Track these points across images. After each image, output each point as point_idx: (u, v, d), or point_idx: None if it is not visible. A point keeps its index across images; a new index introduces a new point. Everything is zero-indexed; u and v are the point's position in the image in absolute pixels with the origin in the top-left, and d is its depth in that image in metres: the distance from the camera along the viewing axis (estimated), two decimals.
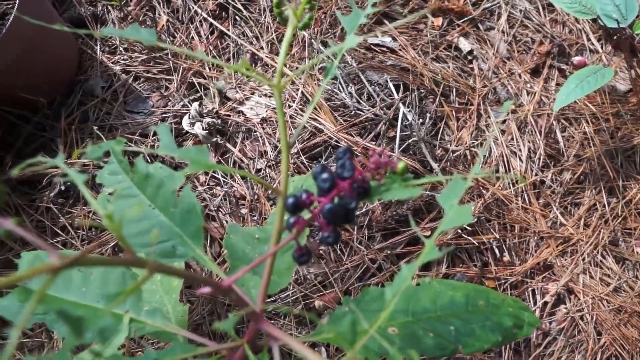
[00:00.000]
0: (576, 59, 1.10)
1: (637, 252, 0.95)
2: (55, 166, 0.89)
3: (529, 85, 1.08)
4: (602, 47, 1.12)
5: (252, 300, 0.46)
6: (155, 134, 0.95)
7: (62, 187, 0.89)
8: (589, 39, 1.12)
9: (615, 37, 1.07)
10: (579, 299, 0.92)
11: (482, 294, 0.53)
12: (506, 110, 1.02)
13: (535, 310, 0.91)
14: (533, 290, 0.93)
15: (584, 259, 0.94)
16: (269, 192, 0.90)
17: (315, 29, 1.07)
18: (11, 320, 0.50)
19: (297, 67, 1.04)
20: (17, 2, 0.82)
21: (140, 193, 0.53)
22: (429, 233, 0.90)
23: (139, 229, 0.50)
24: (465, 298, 0.52)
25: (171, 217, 0.50)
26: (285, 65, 1.03)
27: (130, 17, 1.07)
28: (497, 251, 0.93)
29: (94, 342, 0.37)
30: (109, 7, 1.09)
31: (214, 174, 0.94)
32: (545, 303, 0.92)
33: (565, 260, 0.95)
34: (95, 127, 0.93)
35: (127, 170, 0.54)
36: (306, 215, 0.40)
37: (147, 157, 0.92)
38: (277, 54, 1.06)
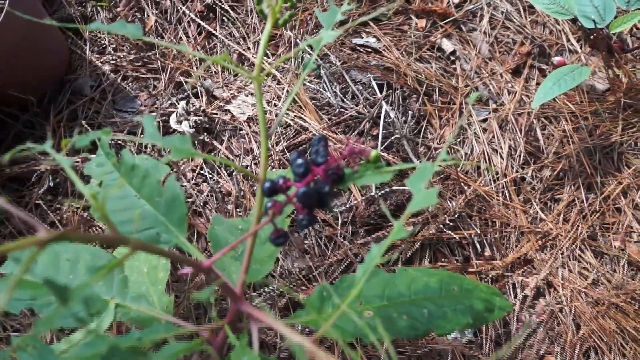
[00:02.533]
0: (556, 59, 1.13)
1: (615, 246, 0.98)
2: (44, 163, 0.90)
3: (510, 85, 1.11)
4: (581, 48, 1.15)
5: (233, 284, 0.48)
6: (143, 131, 0.97)
7: (51, 184, 0.91)
8: (568, 40, 1.16)
9: (592, 37, 1.11)
10: (558, 292, 0.94)
11: (456, 280, 0.55)
12: (472, 101, 1.04)
13: (516, 303, 0.94)
14: (513, 284, 0.95)
15: (563, 253, 0.97)
16: (254, 188, 0.92)
17: (301, 30, 1.10)
18: None
19: (282, 68, 1.06)
20: (7, 1, 0.84)
21: (126, 183, 0.54)
22: (411, 227, 0.93)
23: (124, 217, 0.52)
24: (439, 284, 0.54)
25: (156, 206, 0.52)
26: (270, 64, 1.05)
27: (119, 17, 1.09)
28: (478, 246, 0.96)
29: (78, 313, 0.38)
30: (98, 8, 1.11)
31: (200, 170, 0.95)
32: (525, 296, 0.94)
33: (545, 254, 0.97)
34: (84, 121, 0.95)
35: (114, 161, 0.56)
36: (282, 199, 0.42)
37: (133, 151, 0.94)
38: (265, 55, 1.08)
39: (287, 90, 1.01)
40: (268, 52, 1.09)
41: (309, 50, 1.04)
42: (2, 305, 0.36)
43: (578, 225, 0.99)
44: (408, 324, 0.49)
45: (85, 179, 0.89)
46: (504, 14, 1.18)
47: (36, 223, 0.33)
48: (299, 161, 0.40)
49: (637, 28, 1.16)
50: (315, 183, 0.41)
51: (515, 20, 1.17)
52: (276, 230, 0.41)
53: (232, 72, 1.06)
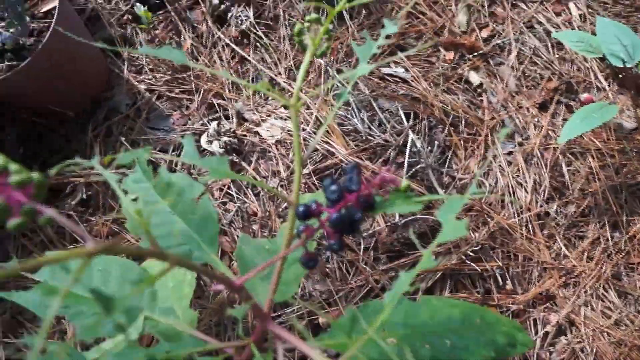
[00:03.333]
0: (583, 96, 1.14)
1: (639, 287, 0.97)
2: (78, 175, 0.94)
3: (536, 120, 1.12)
4: (609, 86, 1.15)
5: (260, 303, 0.49)
6: (174, 149, 1.00)
7: (84, 196, 0.94)
8: (596, 77, 1.16)
9: (621, 76, 1.11)
10: (579, 331, 0.93)
11: (478, 312, 0.56)
12: (504, 136, 1.05)
13: (537, 340, 0.93)
14: (535, 320, 0.94)
15: (586, 292, 0.96)
16: (280, 209, 0.94)
17: (332, 58, 1.12)
18: (34, 311, 0.53)
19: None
20: (54, 20, 0.88)
21: (161, 199, 0.56)
22: (433, 257, 0.93)
23: (158, 232, 0.53)
24: (462, 315, 0.54)
25: (189, 223, 0.54)
26: (301, 90, 1.08)
27: (157, 39, 1.13)
28: (500, 279, 0.95)
29: (119, 321, 0.40)
30: (137, 29, 1.15)
31: (228, 190, 0.98)
32: (547, 333, 0.93)
33: (568, 291, 0.96)
34: (123, 139, 0.98)
35: (150, 178, 0.58)
36: (315, 224, 0.43)
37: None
38: (294, 80, 1.11)
39: (316, 116, 1.03)
40: (296, 76, 1.11)
41: (337, 76, 1.07)
42: (53, 313, 0.37)
43: (602, 264, 0.98)
44: (430, 354, 0.49)
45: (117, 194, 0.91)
46: (532, 50, 1.19)
47: (83, 234, 0.35)
48: (333, 187, 0.42)
49: None
50: (347, 209, 0.43)
51: (543, 56, 1.19)
52: (307, 253, 0.43)
53: (263, 96, 1.09)
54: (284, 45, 1.14)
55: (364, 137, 1.00)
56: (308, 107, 1.06)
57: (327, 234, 0.42)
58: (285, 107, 1.05)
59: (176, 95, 1.08)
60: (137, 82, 1.10)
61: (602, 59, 1.18)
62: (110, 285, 0.56)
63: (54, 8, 0.91)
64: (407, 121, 1.04)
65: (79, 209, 0.95)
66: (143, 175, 0.59)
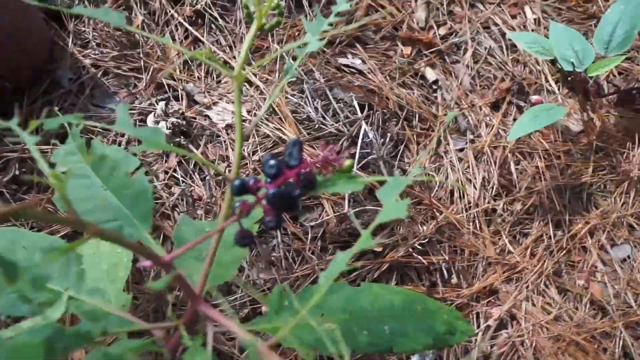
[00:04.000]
0: (534, 98, 1.16)
1: (579, 285, 0.99)
2: (11, 150, 0.88)
3: (488, 118, 1.13)
4: (558, 89, 1.18)
5: (194, 285, 0.47)
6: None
7: (17, 172, 0.88)
8: (547, 80, 1.19)
9: (570, 80, 1.14)
10: (520, 325, 0.94)
11: (420, 300, 0.55)
12: (450, 120, 1.05)
13: (479, 333, 0.94)
14: (477, 314, 0.95)
15: (527, 287, 0.97)
16: (226, 192, 0.91)
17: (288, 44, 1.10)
18: None
19: (266, 80, 1.06)
20: None
21: (93, 173, 0.53)
22: (380, 249, 0.92)
23: (88, 206, 0.50)
24: (403, 302, 0.54)
25: (122, 199, 0.51)
26: (255, 75, 1.05)
27: (106, 7, 1.08)
28: (445, 273, 0.96)
29: (26, 292, 0.37)
30: (85, 2, 1.10)
31: (173, 173, 0.94)
32: (488, 327, 0.94)
33: (510, 286, 0.98)
34: (56, 108, 0.93)
35: (83, 150, 0.54)
36: (252, 199, 0.41)
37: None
38: (249, 64, 1.08)
39: (267, 100, 1.01)
40: (253, 62, 1.09)
41: (293, 62, 1.05)
42: None
43: (544, 261, 1.00)
44: (368, 340, 0.48)
45: (53, 167, 0.86)
46: (487, 50, 1.21)
47: None
48: (272, 162, 0.40)
49: (613, 75, 1.20)
50: (286, 186, 0.41)
51: (497, 56, 1.20)
52: (242, 230, 0.41)
53: (215, 79, 1.06)
54: (240, 28, 1.11)
55: (317, 126, 0.99)
56: (262, 93, 1.04)
57: (264, 211, 0.40)
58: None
59: (124, 73, 1.04)
60: (83, 56, 1.04)
61: (554, 62, 1.20)
62: (35, 261, 0.52)
63: None
64: (362, 112, 1.03)
65: (12, 186, 0.89)
66: (75, 148, 0.55)
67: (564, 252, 1.01)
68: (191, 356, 0.38)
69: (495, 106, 1.16)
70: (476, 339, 0.93)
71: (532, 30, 1.25)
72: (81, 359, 0.80)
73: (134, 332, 0.52)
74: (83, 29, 1.07)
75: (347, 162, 0.44)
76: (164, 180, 0.93)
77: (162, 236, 0.88)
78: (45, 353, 0.27)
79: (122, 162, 0.52)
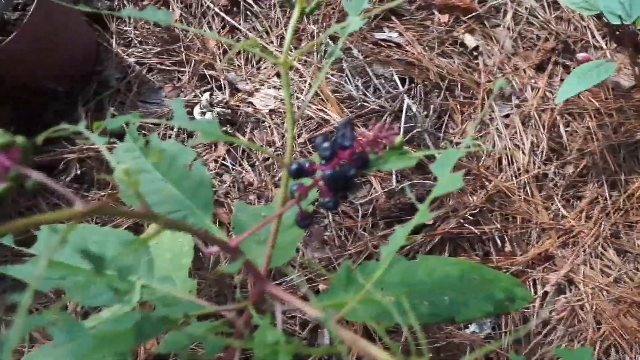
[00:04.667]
0: (581, 55, 1.12)
1: (638, 245, 0.97)
2: (71, 151, 0.93)
3: (533, 81, 1.10)
4: (606, 44, 1.14)
5: (257, 266, 0.49)
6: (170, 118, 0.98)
7: (78, 172, 0.93)
8: (593, 36, 1.14)
9: (618, 34, 1.09)
10: (579, 289, 0.93)
11: (476, 269, 0.55)
12: (497, 89, 1.03)
13: (536, 299, 0.93)
14: (534, 280, 0.94)
15: (584, 251, 0.96)
16: (276, 178, 0.93)
17: (324, 24, 1.10)
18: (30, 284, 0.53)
19: (305, 62, 1.07)
20: None
21: (153, 168, 0.56)
22: (431, 222, 0.93)
23: (151, 200, 0.53)
24: (460, 272, 0.54)
25: (182, 190, 0.53)
26: (295, 59, 1.06)
27: (151, 7, 1.11)
28: (498, 241, 0.95)
29: (112, 282, 0.40)
30: (124, 1, 1.13)
31: (223, 161, 0.97)
32: (546, 292, 0.93)
33: (567, 251, 0.96)
34: (112, 109, 0.97)
35: (142, 146, 0.57)
36: (308, 182, 0.42)
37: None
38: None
39: (310, 84, 1.02)
40: (291, 46, 1.10)
41: (331, 43, 1.05)
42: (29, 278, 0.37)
43: (601, 223, 0.98)
44: (429, 310, 0.49)
45: (111, 166, 0.91)
46: (528, 10, 1.17)
47: (73, 197, 0.34)
48: (326, 144, 0.41)
49: None
50: (341, 166, 0.42)
51: (539, 16, 1.16)
52: (302, 212, 0.42)
53: (255, 66, 1.07)
54: (275, 13, 1.12)
55: (359, 104, 0.99)
56: (302, 75, 1.04)
57: (321, 192, 0.42)
58: (278, 76, 1.04)
59: (167, 68, 1.07)
60: (127, 55, 1.08)
61: (599, 17, 1.15)
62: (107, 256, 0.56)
63: None
64: (402, 86, 1.03)
65: (74, 185, 0.94)
66: (134, 144, 0.58)
67: (621, 212, 0.99)
68: (262, 334, 0.41)
69: (540, 68, 1.12)
70: (534, 306, 0.92)
71: None
72: (154, 345, 0.85)
73: (202, 316, 0.55)
74: (125, 28, 1.10)
75: (398, 139, 0.45)
76: (214, 169, 0.96)
77: (217, 223, 0.91)
78: (135, 337, 0.29)
79: (179, 155, 0.55)
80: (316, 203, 0.89)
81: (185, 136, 0.98)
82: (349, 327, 0.81)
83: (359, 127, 0.96)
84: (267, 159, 0.97)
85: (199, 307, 0.46)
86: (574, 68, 1.11)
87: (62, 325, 0.43)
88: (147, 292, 0.52)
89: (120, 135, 0.62)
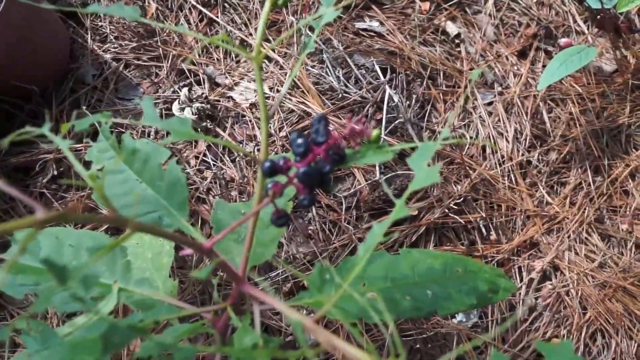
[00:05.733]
0: (562, 41, 1.12)
1: (622, 229, 0.97)
2: (47, 151, 0.90)
3: (515, 68, 1.10)
4: (588, 29, 1.13)
5: (236, 267, 0.48)
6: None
7: (55, 173, 0.91)
8: (575, 21, 1.14)
9: (599, 18, 1.09)
10: (564, 275, 0.93)
11: (459, 262, 0.55)
12: (475, 78, 1.03)
13: (522, 286, 0.93)
14: (520, 267, 0.94)
15: (569, 236, 0.96)
16: (257, 173, 0.92)
17: (304, 15, 1.09)
18: (4, 290, 0.52)
19: (285, 54, 1.05)
20: None
21: (127, 168, 0.54)
22: (416, 212, 0.92)
23: (126, 201, 0.51)
24: (443, 265, 0.54)
25: (157, 190, 0.52)
26: (273, 50, 1.04)
27: (120, 2, 1.08)
28: (484, 230, 0.95)
29: (77, 291, 0.38)
30: None
31: (204, 157, 0.95)
32: (532, 279, 0.94)
33: (551, 237, 0.96)
34: (84, 107, 0.95)
35: (115, 146, 0.55)
36: (283, 180, 0.41)
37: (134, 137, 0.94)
38: (266, 40, 1.07)
39: (288, 77, 1.00)
40: (270, 37, 1.08)
41: (310, 33, 1.03)
42: (2, 285, 0.35)
43: (585, 208, 0.98)
44: (412, 305, 0.48)
45: (88, 166, 0.89)
46: None
47: (34, 204, 0.33)
48: (299, 141, 0.40)
49: None
50: (316, 163, 0.41)
51: (520, 1, 1.16)
52: (277, 210, 0.41)
53: (234, 59, 1.06)
54: (253, 4, 1.10)
55: (341, 95, 0.98)
56: (282, 68, 1.03)
57: (297, 190, 0.41)
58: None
59: (144, 63, 1.04)
60: (103, 51, 1.05)
61: (581, 1, 1.15)
62: (82, 260, 0.54)
63: None
64: (384, 76, 1.02)
65: (52, 186, 0.92)
66: (107, 144, 0.56)
67: (605, 197, 0.99)
68: (240, 336, 0.40)
69: (522, 54, 1.12)
70: (520, 293, 0.92)
71: None
72: (138, 347, 0.84)
73: (183, 317, 0.54)
74: (100, 24, 1.08)
75: (375, 132, 0.44)
76: (195, 165, 0.94)
77: (200, 220, 0.90)
78: (102, 348, 0.28)
79: (153, 154, 0.53)
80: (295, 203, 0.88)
81: (165, 133, 0.97)
82: (333, 323, 0.80)
83: (341, 119, 0.95)
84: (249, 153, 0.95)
85: (177, 310, 0.45)
86: (556, 54, 1.11)
87: (35, 333, 0.41)
88: (125, 296, 0.51)
89: (95, 135, 0.61)
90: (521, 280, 0.93)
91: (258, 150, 0.95)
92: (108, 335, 0.28)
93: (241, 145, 0.96)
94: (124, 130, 0.95)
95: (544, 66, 1.10)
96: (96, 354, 0.33)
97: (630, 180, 1.00)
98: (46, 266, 0.29)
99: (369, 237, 0.38)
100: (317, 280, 0.45)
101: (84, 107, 0.98)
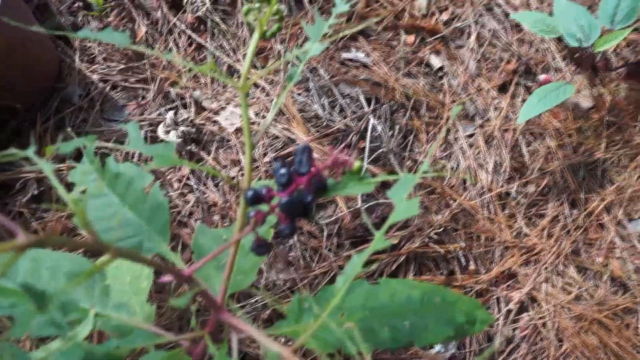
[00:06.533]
0: (542, 77, 1.15)
1: (598, 262, 0.99)
2: (28, 171, 0.90)
3: (496, 101, 1.13)
4: (566, 66, 1.17)
5: (215, 294, 0.48)
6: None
7: (35, 192, 0.90)
8: (554, 58, 1.18)
9: (577, 56, 1.13)
10: (541, 307, 0.95)
11: (438, 292, 0.55)
12: (455, 114, 1.05)
13: (500, 317, 0.94)
14: (498, 298, 0.95)
15: (546, 268, 0.97)
16: (240, 198, 0.92)
17: (291, 43, 1.11)
18: None
19: (272, 81, 1.07)
20: None
21: (110, 191, 0.54)
22: (396, 241, 0.93)
23: (108, 225, 0.51)
24: (421, 296, 0.54)
25: (139, 214, 0.52)
26: (261, 78, 1.06)
27: (109, 27, 1.09)
28: (463, 260, 0.96)
29: (55, 316, 0.38)
30: (89, 17, 1.11)
31: (187, 181, 0.95)
32: (509, 311, 0.95)
33: (529, 269, 0.98)
34: (69, 129, 0.94)
35: (99, 169, 0.56)
36: (266, 208, 0.42)
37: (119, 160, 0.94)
38: (254, 67, 1.09)
39: (275, 104, 1.01)
40: (258, 65, 1.09)
41: (297, 62, 1.05)
42: None
43: (562, 241, 1.00)
44: (390, 335, 0.49)
45: (70, 187, 0.88)
46: (491, 32, 1.20)
47: (15, 228, 0.33)
48: (282, 171, 0.40)
49: (621, 48, 1.19)
50: (299, 193, 0.42)
51: (502, 38, 1.19)
52: (257, 239, 0.41)
53: (221, 84, 1.07)
54: (242, 31, 1.11)
55: (325, 123, 0.99)
56: (268, 94, 1.04)
57: (278, 219, 0.41)
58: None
59: (131, 85, 1.05)
60: (90, 72, 1.06)
61: (560, 39, 1.19)
62: (59, 283, 0.54)
63: None
64: (369, 106, 1.03)
65: (31, 205, 0.91)
66: (91, 167, 0.56)
67: (581, 230, 1.01)
68: None
69: (503, 89, 1.15)
70: (497, 324, 0.93)
71: (536, 9, 1.24)
72: None
73: (161, 344, 0.54)
74: (89, 44, 1.08)
75: (357, 164, 0.45)
76: (178, 188, 0.94)
77: (180, 244, 0.90)
78: None
79: (136, 178, 0.54)
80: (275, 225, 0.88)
81: (149, 158, 0.97)
82: (311, 352, 0.80)
83: (324, 147, 0.96)
84: (232, 178, 0.96)
85: (155, 337, 0.44)
86: (535, 89, 1.14)
87: (9, 358, 0.41)
88: (101, 321, 0.51)
89: (79, 156, 0.61)
90: (499, 311, 0.94)
91: (242, 175, 0.95)
92: None
93: (225, 169, 0.96)
94: (108, 151, 0.95)
95: (523, 101, 1.13)
96: None
97: (605, 213, 1.02)
98: (25, 291, 0.29)
99: (349, 267, 0.38)
100: (296, 309, 0.45)
101: (69, 127, 0.98)
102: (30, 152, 0.41)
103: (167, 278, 0.39)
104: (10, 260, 0.31)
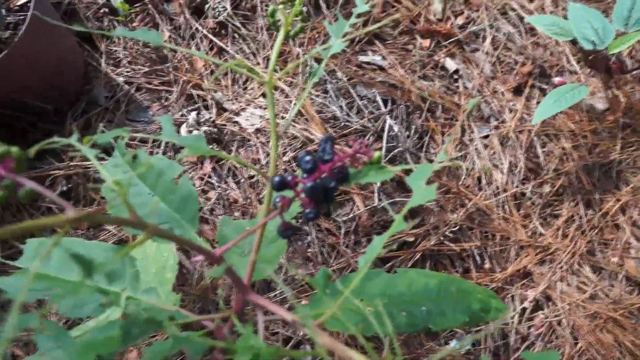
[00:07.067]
0: (556, 79, 1.16)
1: (613, 262, 1.00)
2: (57, 168, 0.93)
3: (511, 104, 1.14)
4: (580, 69, 1.18)
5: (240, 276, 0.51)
6: (154, 140, 1.00)
7: (64, 188, 0.94)
8: (568, 61, 1.19)
9: (592, 58, 1.14)
10: (556, 305, 0.95)
11: (454, 282, 0.57)
12: (472, 107, 1.07)
13: (515, 315, 0.95)
14: (512, 297, 0.97)
15: (561, 267, 0.98)
16: (261, 195, 0.95)
17: (309, 47, 1.14)
18: (14, 299, 0.54)
19: (291, 82, 1.10)
20: (30, 12, 0.88)
21: (140, 182, 0.57)
22: (412, 239, 0.95)
23: (140, 213, 0.54)
24: (438, 284, 0.56)
25: (169, 204, 0.55)
26: (280, 79, 1.09)
27: (144, 28, 1.13)
28: (478, 258, 0.98)
29: (102, 285, 0.41)
30: (114, 22, 1.15)
31: (208, 179, 0.98)
32: (524, 309, 0.96)
33: (544, 268, 0.99)
34: (101, 124, 0.98)
35: (130, 161, 0.59)
36: (290, 194, 0.44)
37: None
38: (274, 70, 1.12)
39: (295, 104, 1.04)
40: (277, 67, 1.13)
41: (317, 65, 1.08)
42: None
43: (577, 241, 1.01)
44: (407, 320, 0.51)
45: (99, 182, 0.92)
46: (506, 35, 1.22)
47: (65, 203, 0.36)
48: (307, 158, 0.43)
49: (635, 50, 1.20)
50: (322, 179, 0.44)
51: (517, 41, 1.21)
52: (284, 223, 0.44)
53: (241, 86, 1.10)
54: (262, 35, 1.15)
55: (343, 124, 1.02)
56: (287, 96, 1.07)
57: (303, 204, 0.44)
58: (264, 96, 1.06)
59: (155, 87, 1.09)
60: (116, 74, 1.10)
61: (574, 42, 1.20)
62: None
63: (30, 1, 0.91)
64: (385, 107, 1.06)
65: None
66: (122, 159, 0.59)
67: (596, 230, 1.02)
68: (245, 342, 0.42)
69: (517, 91, 1.17)
70: (513, 322, 0.94)
71: (550, 12, 1.26)
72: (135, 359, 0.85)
73: (184, 327, 0.56)
74: (114, 48, 1.12)
75: (376, 154, 0.47)
76: (200, 186, 0.97)
77: (200, 235, 0.93)
78: (123, 340, 0.30)
79: (166, 169, 0.56)
80: (299, 221, 0.91)
81: (172, 154, 1.00)
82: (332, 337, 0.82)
83: (342, 147, 0.99)
84: (252, 176, 0.99)
85: (183, 317, 0.47)
86: (549, 91, 1.16)
87: (48, 332, 0.44)
88: (133, 303, 0.53)
89: (107, 153, 0.64)
90: (514, 309, 0.95)
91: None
92: (128, 327, 0.31)
93: (246, 168, 0.99)
94: (132, 149, 0.98)
95: (538, 103, 1.14)
96: (110, 349, 0.35)
97: (620, 214, 1.03)
98: (74, 260, 0.31)
99: (370, 248, 0.40)
100: (322, 283, 0.47)
101: (96, 127, 1.02)
102: (74, 139, 0.44)
103: (198, 257, 0.42)
104: (60, 234, 0.33)
